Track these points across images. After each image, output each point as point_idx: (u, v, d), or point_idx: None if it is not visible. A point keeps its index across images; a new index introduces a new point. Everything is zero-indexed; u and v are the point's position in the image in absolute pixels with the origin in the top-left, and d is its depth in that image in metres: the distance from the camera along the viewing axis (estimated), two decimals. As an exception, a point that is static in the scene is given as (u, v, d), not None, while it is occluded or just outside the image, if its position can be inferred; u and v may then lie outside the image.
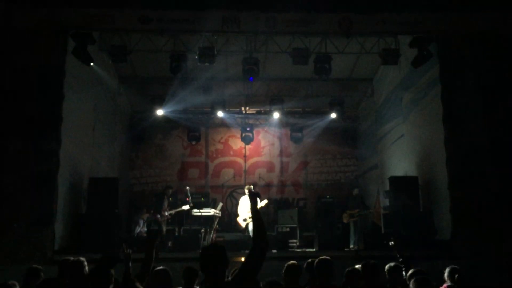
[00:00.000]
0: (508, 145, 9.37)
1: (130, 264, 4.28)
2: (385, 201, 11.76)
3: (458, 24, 9.73)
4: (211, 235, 11.21)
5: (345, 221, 11.99)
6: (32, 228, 8.56)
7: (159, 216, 11.08)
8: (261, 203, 11.40)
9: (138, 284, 4.03)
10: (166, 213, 11.24)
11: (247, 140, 15.72)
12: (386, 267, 5.19)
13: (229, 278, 3.22)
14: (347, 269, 4.97)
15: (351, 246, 11.40)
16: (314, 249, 11.43)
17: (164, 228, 11.32)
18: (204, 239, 11.03)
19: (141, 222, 12.77)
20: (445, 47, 9.91)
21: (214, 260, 3.03)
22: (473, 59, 9.72)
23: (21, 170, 8.82)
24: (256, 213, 3.36)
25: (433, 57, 9.95)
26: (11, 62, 9.25)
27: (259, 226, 3.18)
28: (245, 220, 11.30)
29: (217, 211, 11.73)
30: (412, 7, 9.75)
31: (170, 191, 12.02)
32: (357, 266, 5.08)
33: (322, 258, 4.72)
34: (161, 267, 4.67)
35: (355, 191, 12.60)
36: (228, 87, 14.19)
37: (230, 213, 15.12)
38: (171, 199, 11.94)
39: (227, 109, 14.60)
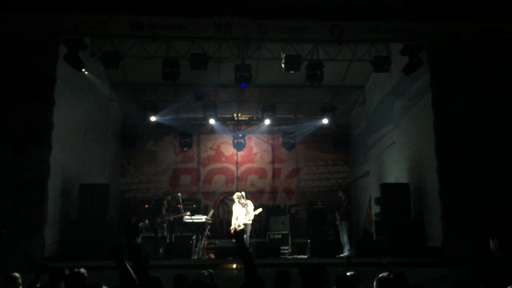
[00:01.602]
0: (498, 152, 9.45)
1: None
2: (376, 208, 11.77)
3: (448, 33, 9.81)
4: (203, 242, 11.17)
5: (338, 227, 11.98)
6: (22, 235, 8.48)
7: (155, 222, 11.12)
8: (255, 212, 11.43)
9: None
10: (164, 219, 11.27)
11: (239, 147, 15.75)
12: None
13: None
14: (337, 276, 4.94)
15: (345, 252, 11.37)
16: (306, 256, 11.41)
17: (164, 234, 11.31)
18: (196, 246, 10.99)
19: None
20: (435, 55, 9.97)
21: None
22: (464, 67, 9.80)
23: (11, 177, 8.75)
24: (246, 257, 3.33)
25: (424, 65, 10.01)
26: (1, 67, 9.19)
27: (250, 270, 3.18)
28: (238, 226, 11.29)
29: (209, 218, 11.71)
30: (403, 15, 9.83)
31: (170, 197, 12.03)
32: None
33: (316, 265, 4.69)
34: (152, 275, 4.63)
35: (340, 193, 12.61)
36: (220, 94, 14.21)
37: (222, 219, 15.09)
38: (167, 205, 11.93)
39: (219, 116, 14.60)
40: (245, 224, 11.21)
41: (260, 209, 11.68)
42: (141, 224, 12.49)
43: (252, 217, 11.36)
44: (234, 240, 3.67)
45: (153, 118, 13.91)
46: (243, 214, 11.29)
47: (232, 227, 11.39)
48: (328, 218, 12.48)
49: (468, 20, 9.78)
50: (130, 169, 16.11)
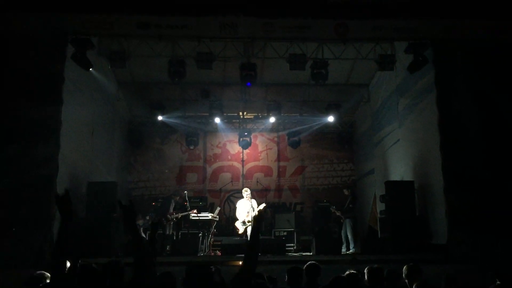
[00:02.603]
0: (503, 150, 9.47)
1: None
2: (381, 205, 11.83)
3: (453, 31, 9.84)
4: (209, 239, 11.28)
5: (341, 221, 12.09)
6: (30, 232, 8.60)
7: (164, 219, 11.23)
8: (259, 207, 11.50)
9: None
10: (172, 217, 11.41)
11: (244, 145, 15.81)
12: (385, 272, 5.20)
13: None
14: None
15: (350, 250, 11.44)
16: (311, 253, 11.48)
17: (170, 232, 11.44)
18: (202, 243, 11.10)
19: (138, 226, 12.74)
20: (440, 53, 10.01)
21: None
22: (468, 65, 9.81)
23: (21, 174, 8.87)
24: (257, 234, 3.38)
25: (429, 63, 10.04)
26: (10, 67, 9.32)
27: (255, 244, 3.25)
28: (243, 223, 11.39)
29: (215, 215, 11.82)
30: (407, 13, 9.86)
31: (178, 198, 12.14)
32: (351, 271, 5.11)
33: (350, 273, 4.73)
34: (166, 271, 4.66)
35: (345, 191, 12.71)
36: (226, 92, 14.29)
37: (228, 217, 15.18)
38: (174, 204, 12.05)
39: (225, 114, 14.69)
40: (248, 221, 11.34)
41: (263, 204, 11.74)
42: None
43: (256, 213, 11.44)
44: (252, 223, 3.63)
45: (159, 118, 14.05)
46: (246, 211, 11.42)
47: (240, 221, 11.46)
48: (333, 215, 12.54)
49: (472, 18, 9.80)
50: (137, 167, 16.22)
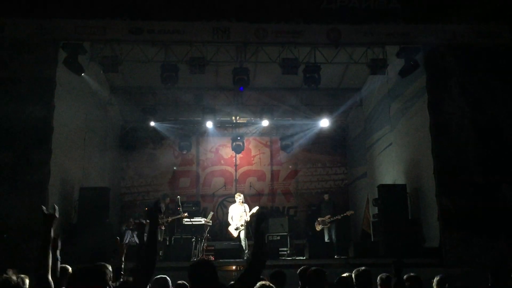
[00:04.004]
0: (494, 153, 9.55)
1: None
2: (374, 209, 11.86)
3: (444, 35, 9.93)
4: (202, 244, 11.24)
5: (317, 229, 12.08)
6: (22, 239, 8.54)
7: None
8: (252, 210, 11.52)
9: None
10: (162, 221, 11.33)
11: (237, 149, 15.75)
12: (378, 277, 5.23)
13: None
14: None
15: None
16: (304, 257, 11.47)
17: (161, 237, 11.38)
18: (195, 248, 11.05)
19: (129, 232, 12.64)
20: (431, 57, 10.08)
21: (204, 277, 3.06)
22: (459, 69, 9.92)
23: (12, 180, 8.82)
24: (261, 235, 3.37)
25: (420, 67, 10.12)
26: (2, 72, 9.29)
27: (260, 247, 3.24)
28: (237, 228, 11.40)
29: (208, 220, 11.78)
30: (398, 18, 9.94)
31: (168, 200, 12.06)
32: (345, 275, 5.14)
33: (316, 269, 4.75)
34: (161, 275, 4.61)
35: (326, 197, 12.70)
36: (219, 97, 14.29)
37: (221, 222, 15.13)
38: (165, 208, 11.97)
39: (217, 119, 14.68)
40: (241, 225, 11.35)
41: (256, 207, 11.74)
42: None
43: (248, 218, 11.46)
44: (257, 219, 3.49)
45: (152, 123, 14.02)
46: (239, 215, 11.43)
47: (233, 226, 11.47)
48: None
49: (464, 23, 9.90)
50: (130, 172, 16.16)
